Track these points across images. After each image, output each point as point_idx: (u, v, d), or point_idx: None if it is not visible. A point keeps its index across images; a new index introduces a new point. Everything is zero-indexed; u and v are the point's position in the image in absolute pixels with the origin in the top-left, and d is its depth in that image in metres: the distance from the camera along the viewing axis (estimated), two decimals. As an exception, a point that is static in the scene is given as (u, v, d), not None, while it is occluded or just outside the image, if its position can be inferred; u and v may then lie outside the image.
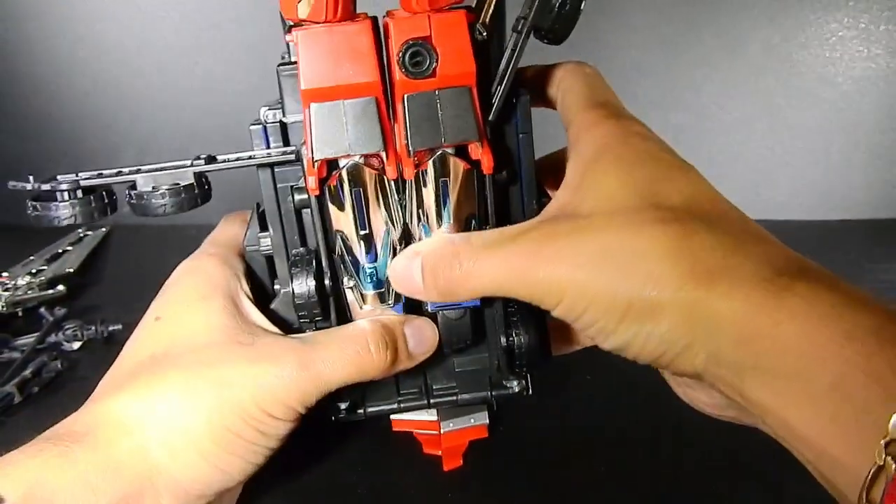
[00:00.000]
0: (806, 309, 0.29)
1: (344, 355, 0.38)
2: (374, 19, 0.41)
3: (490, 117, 0.40)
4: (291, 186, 0.42)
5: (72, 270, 0.74)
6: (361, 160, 0.39)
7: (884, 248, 0.84)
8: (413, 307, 0.43)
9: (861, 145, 0.91)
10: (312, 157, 0.38)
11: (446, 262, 0.37)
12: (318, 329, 0.42)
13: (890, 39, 0.87)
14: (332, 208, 0.40)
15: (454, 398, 0.45)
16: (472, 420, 0.48)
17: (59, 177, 0.40)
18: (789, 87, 0.89)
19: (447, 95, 0.38)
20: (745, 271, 0.31)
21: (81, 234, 0.84)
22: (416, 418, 0.48)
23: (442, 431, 0.47)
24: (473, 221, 0.41)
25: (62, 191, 0.39)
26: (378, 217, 0.40)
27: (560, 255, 0.34)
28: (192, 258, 0.43)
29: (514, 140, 0.42)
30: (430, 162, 0.39)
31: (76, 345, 0.61)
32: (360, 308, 0.42)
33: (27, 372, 0.55)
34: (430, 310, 0.42)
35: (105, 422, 0.36)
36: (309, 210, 0.41)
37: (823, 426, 0.28)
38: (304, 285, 0.40)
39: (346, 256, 0.41)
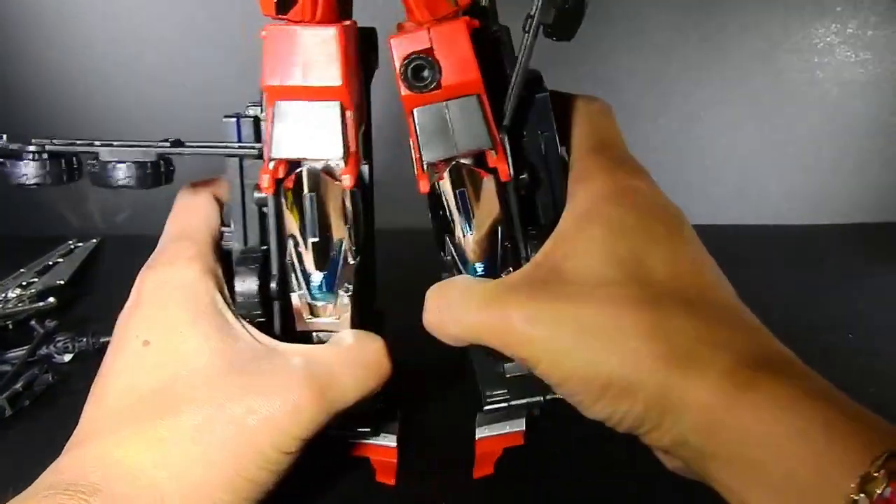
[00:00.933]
0: (766, 402, 0.31)
1: (356, 375, 0.38)
2: (369, 30, 0.41)
3: (505, 122, 0.39)
4: (256, 184, 0.41)
5: (63, 282, 0.73)
6: (320, 166, 0.39)
7: (875, 252, 0.85)
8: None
9: (850, 150, 0.92)
10: (269, 156, 0.38)
11: (437, 305, 0.39)
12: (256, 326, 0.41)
13: (877, 44, 0.87)
14: (286, 211, 0.39)
15: (506, 403, 0.45)
16: (508, 427, 0.46)
17: (32, 140, 0.39)
18: (778, 92, 0.89)
19: (455, 106, 0.38)
20: (714, 360, 0.32)
21: (72, 246, 0.83)
22: (374, 443, 0.46)
23: (477, 437, 0.46)
24: (499, 228, 0.41)
25: (30, 151, 0.39)
26: (335, 226, 0.40)
27: (540, 319, 0.35)
28: (170, 264, 0.40)
29: (536, 141, 0.42)
30: (446, 173, 0.39)
31: (67, 357, 0.61)
32: (305, 318, 0.41)
33: (18, 385, 0.55)
34: None
35: (118, 474, 0.34)
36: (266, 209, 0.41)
37: None
38: (246, 284, 0.40)
39: (297, 263, 0.40)
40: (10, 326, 0.66)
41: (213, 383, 0.36)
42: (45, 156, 0.39)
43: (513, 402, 0.45)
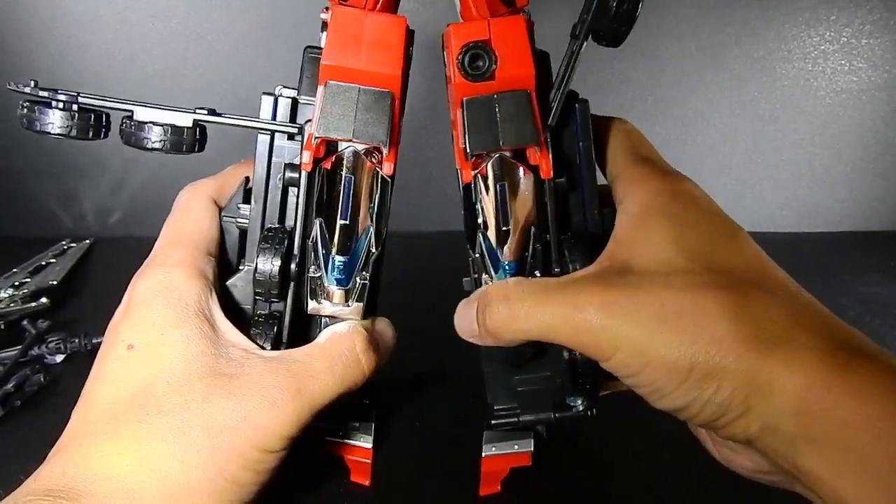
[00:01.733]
0: (864, 385, 0.30)
1: (334, 371, 0.38)
2: (411, 33, 0.41)
3: (549, 122, 0.40)
4: (285, 164, 0.41)
5: (55, 283, 0.73)
6: (362, 150, 0.39)
7: (868, 260, 0.85)
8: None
9: (844, 158, 0.92)
10: (314, 133, 0.38)
11: (496, 303, 0.38)
12: (269, 314, 0.41)
13: (872, 53, 0.88)
14: (319, 192, 0.40)
15: (515, 419, 0.44)
16: (517, 446, 0.45)
17: (60, 90, 0.39)
18: (772, 100, 0.90)
19: (506, 98, 0.38)
20: (805, 343, 0.32)
21: (65, 246, 0.83)
22: (350, 443, 0.46)
23: (483, 455, 0.45)
24: (533, 228, 0.40)
25: (60, 101, 0.38)
26: (363, 211, 0.40)
27: (616, 308, 0.34)
28: (160, 267, 0.40)
29: (573, 147, 0.42)
30: (489, 165, 0.39)
31: (59, 358, 0.61)
32: (318, 302, 0.41)
33: (9, 385, 0.55)
34: None
35: (99, 477, 0.33)
36: (294, 190, 0.41)
37: (877, 500, 0.29)
38: (268, 262, 0.39)
39: (319, 245, 0.40)
40: (2, 326, 0.66)
41: (192, 385, 0.36)
42: (74, 107, 0.38)
43: (522, 418, 0.44)
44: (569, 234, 0.41)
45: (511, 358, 0.43)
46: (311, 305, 0.41)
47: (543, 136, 0.39)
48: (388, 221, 0.41)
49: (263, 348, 0.39)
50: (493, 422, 0.44)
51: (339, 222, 0.39)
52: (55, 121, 0.38)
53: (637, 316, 0.34)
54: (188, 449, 0.34)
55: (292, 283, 0.41)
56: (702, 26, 0.86)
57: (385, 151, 0.39)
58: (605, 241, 0.39)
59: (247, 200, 0.42)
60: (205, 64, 0.85)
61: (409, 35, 0.41)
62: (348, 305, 0.41)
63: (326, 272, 0.40)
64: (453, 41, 0.37)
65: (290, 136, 0.41)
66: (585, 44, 0.39)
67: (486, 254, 0.41)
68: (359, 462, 0.46)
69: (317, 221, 0.40)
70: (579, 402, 0.43)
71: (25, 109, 0.38)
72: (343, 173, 0.39)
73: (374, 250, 0.40)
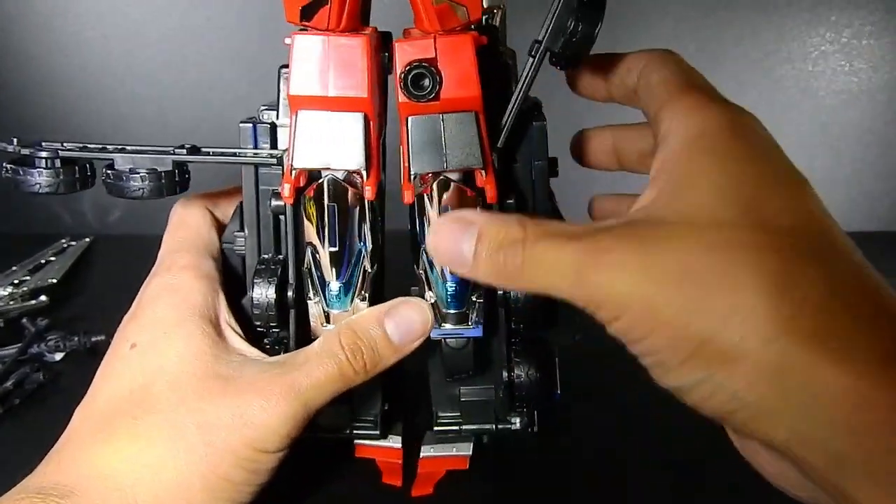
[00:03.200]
0: None
1: (327, 371, 0.37)
2: (385, 35, 0.41)
3: (498, 144, 0.39)
4: (272, 191, 0.41)
5: (55, 281, 0.73)
6: (342, 175, 0.39)
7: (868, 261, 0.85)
8: None
9: (844, 159, 0.92)
10: (291, 165, 0.38)
11: (509, 242, 0.31)
12: (275, 339, 0.41)
13: (872, 54, 0.88)
14: (305, 220, 0.39)
15: (457, 428, 0.44)
16: (455, 449, 0.45)
17: (43, 143, 0.39)
18: (772, 101, 0.90)
19: (451, 120, 0.37)
20: (863, 340, 0.26)
21: (65, 245, 0.83)
22: (380, 445, 0.46)
23: (421, 455, 0.45)
24: None
25: (42, 158, 0.38)
26: (352, 236, 0.39)
27: (630, 261, 0.28)
28: (167, 271, 0.40)
29: (528, 166, 0.41)
30: (433, 186, 0.38)
31: (59, 356, 0.61)
32: (322, 325, 0.41)
33: (9, 383, 0.55)
34: (432, 336, 0.40)
35: (92, 475, 0.34)
36: (284, 217, 0.41)
37: None
38: (263, 294, 0.39)
39: (314, 271, 0.40)
40: (2, 324, 0.66)
41: (189, 384, 0.36)
42: (57, 162, 0.38)
43: (464, 427, 0.44)
44: None
45: (452, 370, 0.43)
46: (315, 330, 0.41)
47: (490, 159, 0.38)
48: (383, 236, 0.41)
49: None
50: (435, 429, 0.44)
51: (329, 250, 0.39)
52: (41, 181, 0.38)
53: (653, 271, 0.28)
54: (182, 447, 0.34)
55: (292, 311, 0.41)
56: (701, 27, 0.86)
57: (364, 175, 0.38)
58: None
59: (241, 226, 0.42)
60: (203, 62, 0.85)
61: (384, 40, 0.41)
62: None
63: (325, 298, 0.40)
64: (397, 58, 0.36)
65: (278, 163, 0.40)
66: (541, 63, 0.38)
67: (428, 270, 0.40)
68: (390, 463, 0.46)
69: (308, 248, 0.40)
70: (517, 420, 0.43)
71: (10, 172, 0.38)
72: (325, 202, 0.38)
73: (370, 269, 0.40)
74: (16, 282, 0.71)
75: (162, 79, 0.86)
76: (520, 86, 0.38)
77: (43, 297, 0.69)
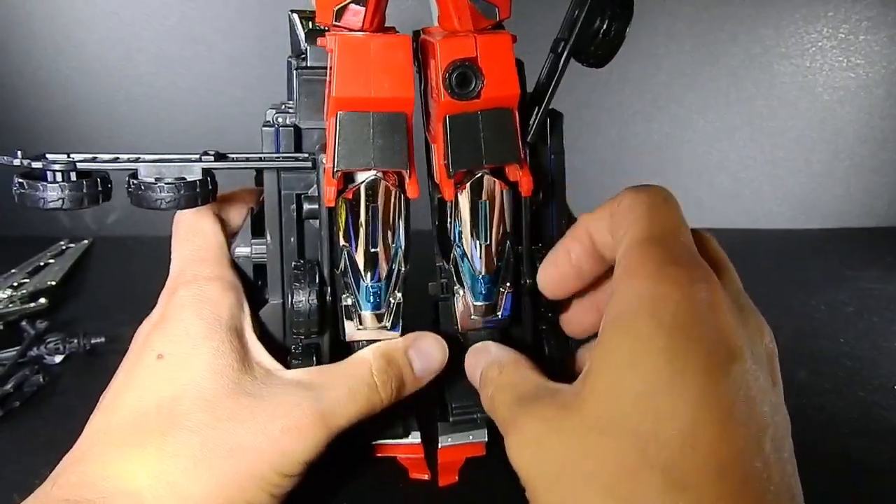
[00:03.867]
0: None
1: (355, 397, 0.37)
2: (415, 34, 0.41)
3: (528, 139, 0.40)
4: (298, 195, 0.40)
5: (54, 283, 0.73)
6: (381, 175, 0.38)
7: (865, 256, 0.85)
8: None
9: (841, 154, 0.92)
10: (333, 168, 0.37)
11: (492, 385, 0.38)
12: (305, 348, 0.41)
13: (869, 49, 0.88)
14: (339, 222, 0.39)
15: (474, 416, 0.45)
16: (472, 437, 0.46)
17: (49, 155, 0.36)
18: (770, 96, 0.90)
19: (490, 117, 0.38)
20: None
21: (64, 247, 0.83)
22: (399, 443, 0.46)
23: (440, 446, 0.46)
24: (508, 242, 0.41)
25: (52, 171, 0.35)
26: (390, 235, 0.39)
27: (526, 447, 0.31)
28: (192, 282, 0.39)
29: (546, 159, 0.42)
30: (469, 184, 0.39)
31: (58, 358, 0.61)
32: (356, 328, 0.41)
33: (8, 386, 0.55)
34: (459, 329, 0.42)
35: (117, 490, 0.33)
36: (312, 221, 0.40)
37: None
38: (304, 302, 0.39)
39: (349, 273, 0.39)
40: (1, 327, 0.66)
41: (220, 403, 0.36)
42: (72, 176, 0.36)
43: (479, 414, 0.44)
44: (539, 244, 0.42)
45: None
46: (349, 332, 0.41)
47: (523, 153, 0.39)
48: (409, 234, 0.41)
49: None
50: (451, 418, 0.45)
51: (371, 250, 0.39)
52: (48, 196, 0.35)
53: (538, 460, 0.30)
54: (210, 467, 0.34)
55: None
56: (698, 23, 0.86)
57: (407, 176, 0.38)
58: None
59: (255, 233, 0.42)
60: (201, 64, 0.85)
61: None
62: (386, 327, 0.41)
63: (359, 299, 0.40)
64: (440, 57, 0.36)
65: (313, 166, 0.40)
66: (568, 63, 0.38)
67: (461, 266, 0.41)
68: (413, 459, 0.46)
69: (343, 251, 0.39)
70: None
71: (20, 187, 0.35)
72: (367, 202, 0.38)
73: (403, 269, 0.40)
74: (15, 284, 0.71)
75: (157, 84, 0.86)
76: (550, 84, 0.39)
77: (42, 300, 0.69)
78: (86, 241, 0.86)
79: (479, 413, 0.44)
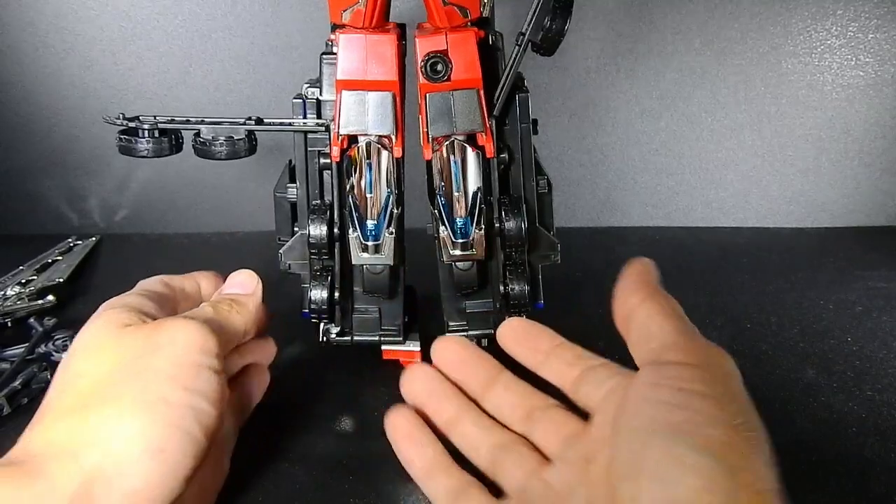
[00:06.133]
0: None
1: (230, 301, 0.45)
2: (402, 27, 0.54)
3: (494, 112, 0.51)
4: (318, 151, 0.54)
5: (62, 280, 0.73)
6: (376, 139, 0.51)
7: (874, 256, 0.85)
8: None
9: (851, 153, 0.92)
10: (338, 132, 0.51)
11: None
12: (323, 266, 0.54)
13: (878, 48, 0.87)
14: (347, 173, 0.51)
15: (465, 333, 0.57)
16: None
17: (140, 117, 0.52)
18: (778, 95, 0.89)
19: (459, 95, 0.50)
20: None
21: (71, 244, 0.83)
22: (401, 349, 0.58)
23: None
24: (479, 193, 0.52)
25: (144, 129, 0.52)
26: (382, 185, 0.51)
27: None
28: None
29: (516, 130, 0.53)
30: (445, 146, 0.51)
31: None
32: (359, 254, 0.53)
33: (17, 383, 0.55)
34: (444, 261, 0.54)
35: (43, 442, 0.36)
36: (329, 172, 0.53)
37: None
38: (318, 229, 0.52)
39: (354, 213, 0.51)
40: (9, 324, 0.66)
41: (119, 346, 0.40)
42: (156, 133, 0.52)
43: (470, 332, 0.57)
44: (506, 196, 0.53)
45: (461, 287, 0.55)
46: (355, 257, 0.53)
47: (488, 124, 0.51)
48: (403, 184, 0.53)
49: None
50: (447, 333, 0.57)
51: (367, 196, 0.51)
52: (149, 148, 0.52)
53: None
54: (128, 396, 0.37)
55: (337, 243, 0.53)
56: (707, 22, 0.86)
57: (394, 139, 0.51)
58: (535, 206, 0.54)
59: (291, 179, 0.55)
60: (209, 61, 0.85)
61: (402, 30, 0.53)
62: (384, 255, 0.52)
63: (362, 233, 0.52)
64: (419, 50, 0.49)
65: (327, 129, 0.53)
66: (525, 51, 0.49)
67: (442, 211, 0.52)
68: (411, 363, 0.52)
69: (349, 195, 0.52)
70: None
71: (121, 141, 0.52)
72: (364, 158, 0.51)
73: (395, 210, 0.52)
74: (23, 281, 0.72)
75: (169, 73, 0.86)
76: (508, 68, 0.50)
77: (50, 297, 0.69)
78: (94, 239, 0.86)
79: (470, 330, 0.57)
